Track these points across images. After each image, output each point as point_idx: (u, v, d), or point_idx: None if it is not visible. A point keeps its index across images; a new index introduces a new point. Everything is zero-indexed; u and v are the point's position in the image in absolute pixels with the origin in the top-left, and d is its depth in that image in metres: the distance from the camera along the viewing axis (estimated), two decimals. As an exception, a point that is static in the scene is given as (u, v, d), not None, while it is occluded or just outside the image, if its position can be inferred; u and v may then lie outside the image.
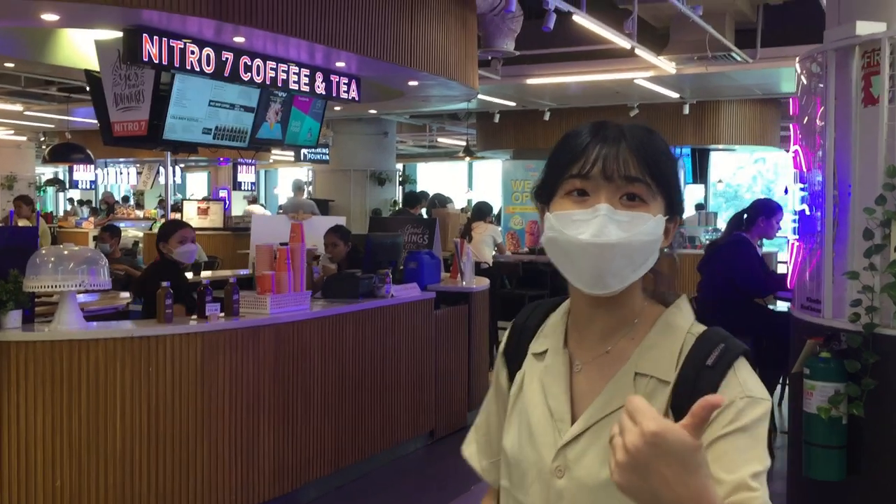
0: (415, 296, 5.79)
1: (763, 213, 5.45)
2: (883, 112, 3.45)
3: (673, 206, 1.18)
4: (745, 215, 5.54)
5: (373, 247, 5.73)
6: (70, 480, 3.88)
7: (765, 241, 6.08)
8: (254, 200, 17.67)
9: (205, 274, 7.40)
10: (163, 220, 14.01)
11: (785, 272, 8.70)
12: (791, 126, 4.10)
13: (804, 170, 3.93)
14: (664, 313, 1.20)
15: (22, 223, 9.52)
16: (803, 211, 3.92)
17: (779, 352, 5.61)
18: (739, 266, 5.33)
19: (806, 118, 3.96)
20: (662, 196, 1.15)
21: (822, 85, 3.87)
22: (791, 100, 4.14)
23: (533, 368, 1.27)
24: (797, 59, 4.05)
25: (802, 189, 3.94)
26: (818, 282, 3.83)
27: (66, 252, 4.06)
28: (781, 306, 7.25)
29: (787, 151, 15.02)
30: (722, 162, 14.07)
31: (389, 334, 5.47)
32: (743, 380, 1.11)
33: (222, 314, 4.44)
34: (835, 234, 3.68)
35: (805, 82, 3.99)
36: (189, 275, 5.93)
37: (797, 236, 4.04)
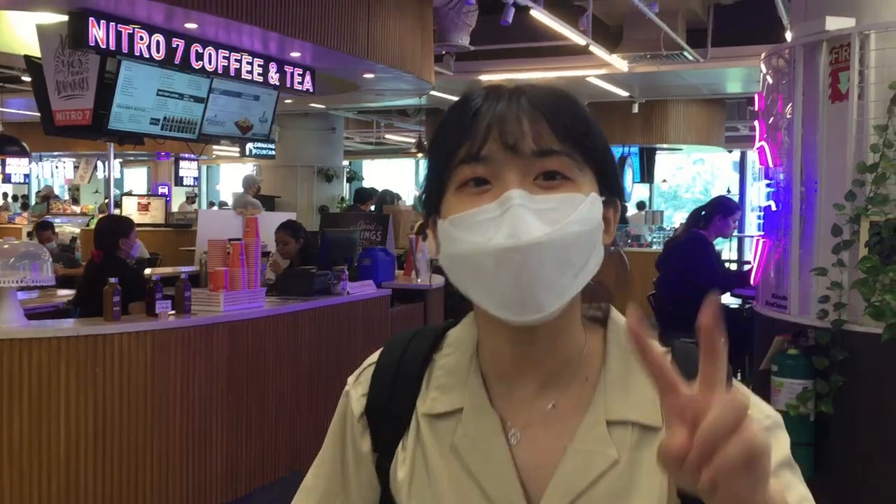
0: (371, 293, 5.66)
1: (720, 211, 5.46)
2: (852, 108, 3.46)
3: (609, 184, 0.86)
4: (703, 212, 5.55)
5: (329, 243, 5.58)
6: (11, 487, 3.66)
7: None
8: (193, 198, 17.25)
9: (148, 271, 7.15)
10: (102, 217, 13.58)
11: (739, 270, 8.86)
12: (757, 122, 4.09)
13: (770, 166, 3.92)
14: (609, 335, 0.90)
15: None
16: (769, 207, 3.91)
17: (735, 348, 5.65)
18: (698, 263, 5.33)
19: (771, 117, 3.95)
20: (593, 170, 0.84)
21: (784, 82, 3.87)
22: (756, 96, 4.13)
23: (436, 439, 0.89)
24: (763, 55, 4.04)
25: (768, 185, 3.93)
26: (783, 278, 3.83)
27: (6, 246, 3.84)
28: (733, 302, 7.34)
29: (730, 152, 15.15)
30: (662, 162, 14.27)
31: (345, 332, 5.33)
32: (754, 401, 0.83)
33: (173, 312, 4.26)
34: (801, 231, 3.67)
35: (770, 79, 3.98)
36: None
37: (762, 232, 4.04)
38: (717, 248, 10.18)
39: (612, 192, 0.86)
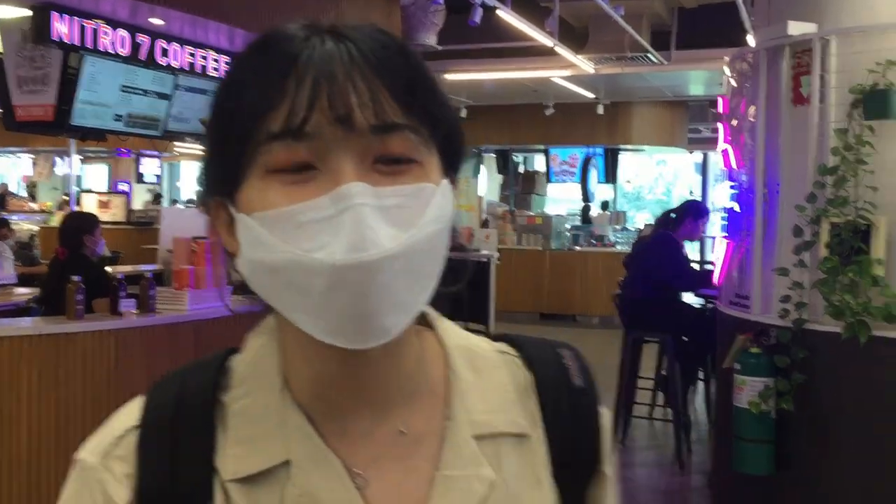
0: (338, 292, 5.65)
1: (691, 214, 5.54)
2: (813, 112, 3.53)
3: (453, 158, 0.68)
4: (674, 215, 5.62)
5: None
6: (-30, 490, 3.60)
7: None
8: (157, 197, 17.04)
9: (110, 269, 7.05)
10: (61, 214, 13.35)
11: (702, 269, 8.99)
12: (720, 125, 4.16)
13: (733, 168, 3.99)
14: (442, 335, 0.75)
15: None
16: (732, 208, 3.98)
17: (698, 347, 5.73)
18: (666, 263, 5.40)
19: (735, 120, 4.02)
20: (437, 145, 0.66)
21: (747, 85, 3.94)
22: (720, 99, 4.20)
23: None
24: (726, 58, 4.11)
25: (732, 187, 3.99)
26: (746, 278, 3.90)
27: (-35, 243, 3.77)
28: (696, 302, 7.44)
29: (691, 153, 15.34)
30: (625, 163, 14.45)
31: (312, 331, 5.32)
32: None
33: (137, 310, 4.22)
34: (764, 232, 3.74)
35: (734, 83, 4.05)
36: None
37: (726, 233, 4.10)
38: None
39: (454, 167, 0.68)
